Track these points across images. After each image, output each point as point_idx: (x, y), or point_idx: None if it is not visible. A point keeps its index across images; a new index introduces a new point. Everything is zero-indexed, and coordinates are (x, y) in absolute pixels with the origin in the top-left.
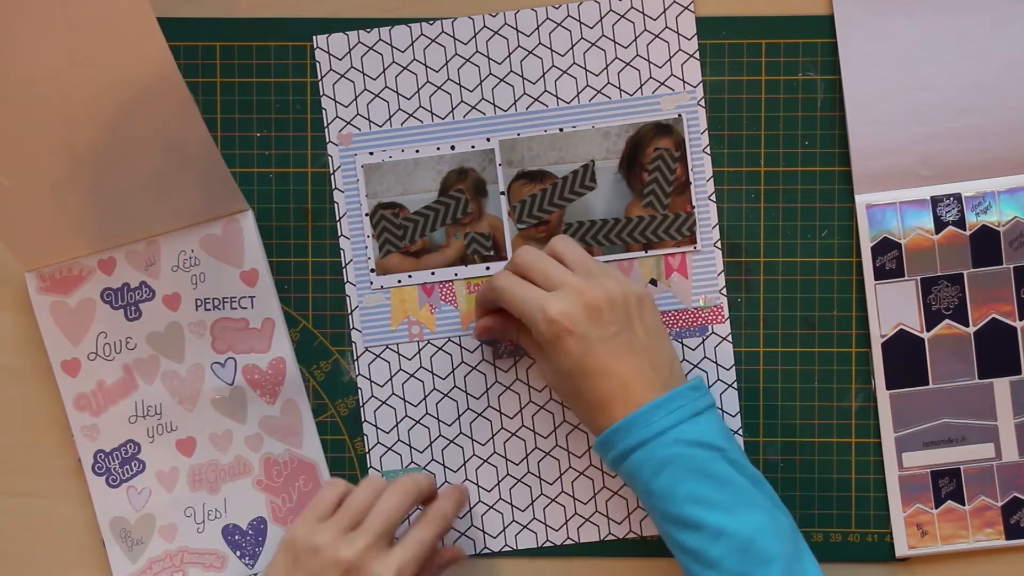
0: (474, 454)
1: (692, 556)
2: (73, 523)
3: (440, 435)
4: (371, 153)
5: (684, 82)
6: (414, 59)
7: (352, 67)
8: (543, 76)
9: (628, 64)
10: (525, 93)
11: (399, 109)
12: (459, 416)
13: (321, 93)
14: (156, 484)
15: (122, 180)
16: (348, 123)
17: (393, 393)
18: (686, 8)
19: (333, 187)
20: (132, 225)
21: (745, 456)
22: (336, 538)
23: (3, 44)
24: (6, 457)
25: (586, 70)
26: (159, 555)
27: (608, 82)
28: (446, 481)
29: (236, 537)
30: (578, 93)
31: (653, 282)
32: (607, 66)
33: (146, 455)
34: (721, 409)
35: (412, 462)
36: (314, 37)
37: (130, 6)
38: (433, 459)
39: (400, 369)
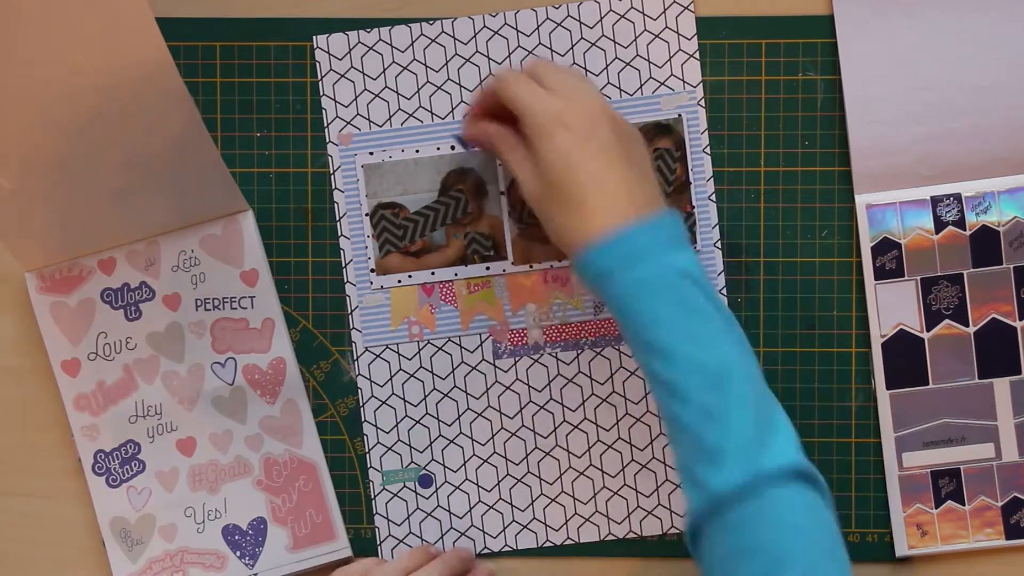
0: (474, 454)
1: (663, 385)
2: (73, 523)
3: (440, 435)
4: (371, 153)
5: (684, 82)
6: (414, 59)
7: (352, 67)
8: None
9: (628, 64)
10: None
11: (399, 109)
12: (459, 416)
13: (321, 93)
14: (156, 484)
15: (122, 180)
16: (348, 123)
17: (393, 393)
18: (686, 8)
19: (333, 187)
20: (132, 225)
21: (719, 295)
22: None
23: (1, 44)
24: (6, 457)
25: (586, 70)
26: (159, 555)
27: (608, 82)
28: (446, 481)
29: (236, 537)
30: None
31: None
32: (607, 66)
33: (146, 455)
34: None
35: (412, 462)
36: (314, 37)
37: (128, 6)
38: (433, 459)
39: (400, 369)
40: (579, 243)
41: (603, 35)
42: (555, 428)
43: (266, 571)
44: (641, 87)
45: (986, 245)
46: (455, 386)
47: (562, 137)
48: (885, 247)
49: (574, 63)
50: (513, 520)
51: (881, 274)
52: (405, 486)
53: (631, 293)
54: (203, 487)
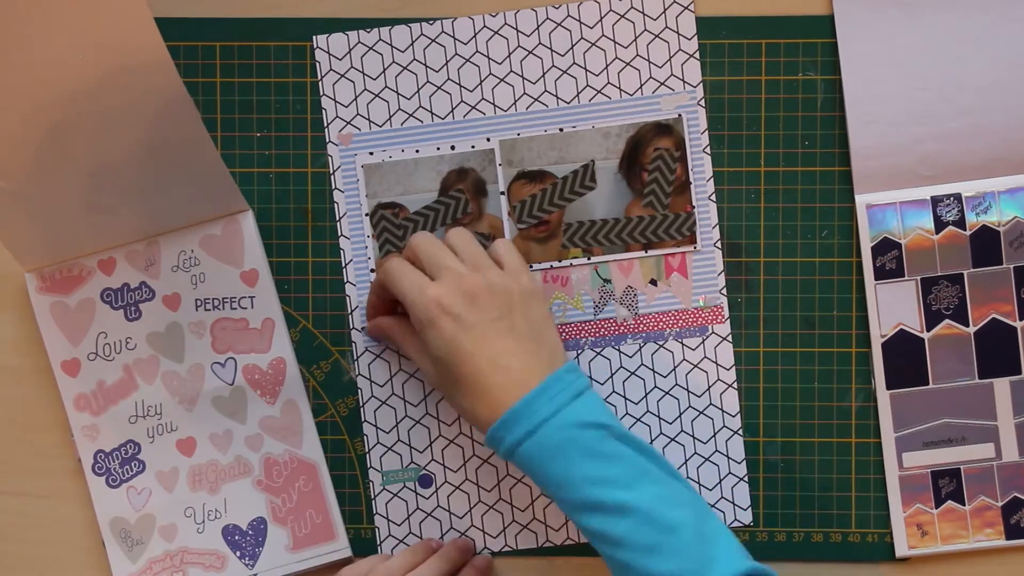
0: (474, 454)
1: (600, 538)
2: (73, 523)
3: (440, 435)
4: (371, 153)
5: (684, 82)
6: (414, 59)
7: (352, 67)
8: (543, 76)
9: (628, 64)
10: (525, 93)
11: (399, 109)
12: (459, 416)
13: (321, 93)
14: (156, 484)
15: (122, 180)
16: (348, 123)
17: (393, 393)
18: (686, 8)
19: (333, 187)
20: (132, 225)
21: (624, 427)
22: None
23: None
24: (6, 457)
25: (586, 70)
26: (159, 555)
27: (608, 82)
28: (446, 481)
29: (236, 537)
30: (578, 93)
31: (653, 282)
32: (607, 66)
33: (146, 455)
34: (721, 409)
35: (412, 462)
36: (314, 37)
37: (127, 6)
38: (433, 459)
39: (400, 369)
40: (482, 423)
41: (603, 35)
42: None
43: (266, 571)
44: (641, 87)
45: (986, 245)
46: None
47: (444, 325)
48: (885, 247)
49: (574, 63)
50: (513, 520)
51: (881, 274)
52: (405, 486)
53: (541, 459)
54: (203, 487)
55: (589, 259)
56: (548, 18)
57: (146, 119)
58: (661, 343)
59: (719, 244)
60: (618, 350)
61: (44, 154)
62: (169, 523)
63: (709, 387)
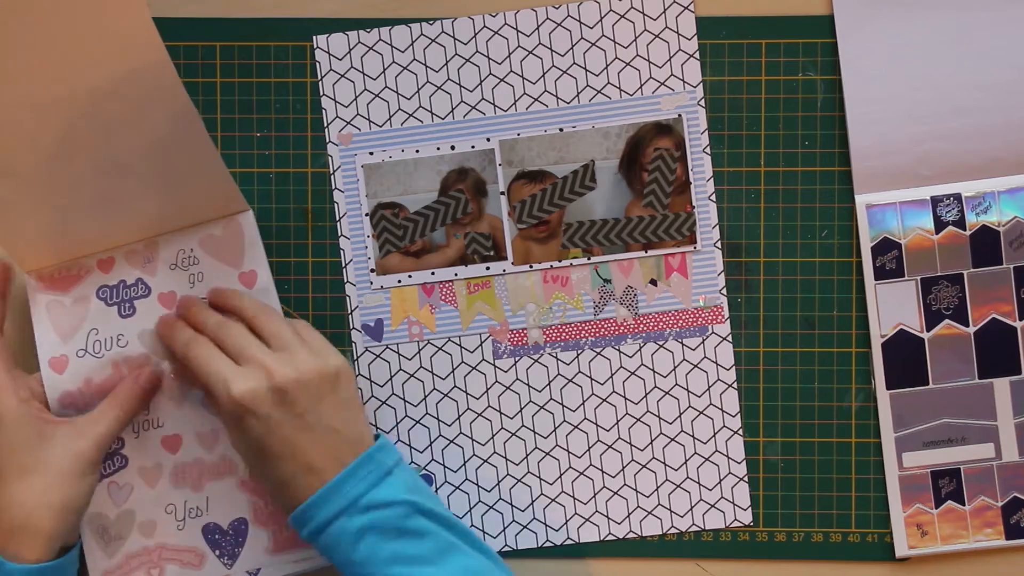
0: (474, 454)
1: None
2: None
3: (440, 435)
4: (371, 153)
5: (684, 82)
6: (414, 59)
7: (352, 67)
8: (543, 76)
9: (628, 64)
10: (525, 93)
11: (399, 109)
12: (459, 416)
13: (321, 93)
14: (138, 480)
15: (122, 181)
16: (348, 123)
17: (393, 393)
18: (686, 8)
19: (333, 187)
20: (132, 225)
21: (438, 501)
22: None
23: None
24: None
25: (586, 70)
26: (137, 550)
27: (608, 82)
28: (446, 481)
29: (216, 536)
30: (578, 93)
31: (653, 282)
32: (607, 66)
33: (129, 451)
34: (721, 409)
35: (412, 462)
36: (314, 37)
37: (126, 6)
38: (433, 459)
39: (400, 369)
40: (288, 511)
41: (603, 35)
42: (555, 428)
43: (245, 572)
44: (641, 87)
45: (986, 245)
46: (455, 386)
47: (250, 425)
48: (885, 247)
49: (574, 63)
50: (513, 520)
51: (881, 274)
52: None
53: (347, 541)
54: (186, 484)
55: (589, 259)
56: (548, 18)
57: (146, 120)
58: (661, 343)
59: (719, 244)
60: (618, 350)
61: (49, 153)
62: (149, 519)
63: (709, 387)
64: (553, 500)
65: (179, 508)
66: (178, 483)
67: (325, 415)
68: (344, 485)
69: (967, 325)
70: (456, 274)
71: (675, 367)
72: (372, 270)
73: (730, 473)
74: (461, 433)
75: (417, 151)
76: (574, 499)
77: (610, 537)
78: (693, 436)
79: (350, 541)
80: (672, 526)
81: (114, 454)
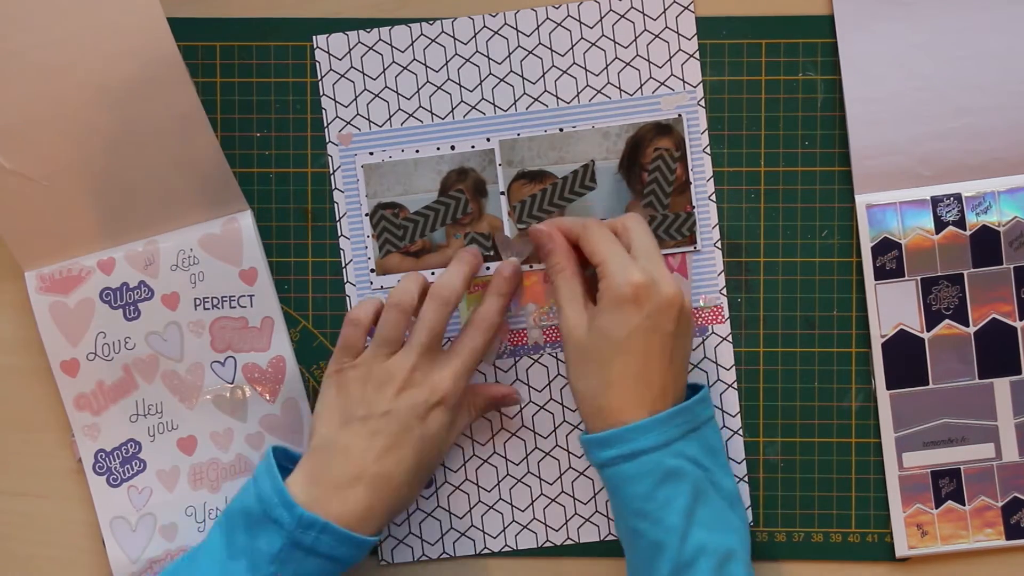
0: (474, 454)
1: (674, 567)
2: (73, 523)
3: None
4: (371, 153)
5: (684, 82)
6: (414, 59)
7: (352, 67)
8: (543, 76)
9: (628, 64)
10: (525, 93)
11: (399, 109)
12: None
13: (321, 93)
14: (157, 483)
15: (123, 180)
16: (348, 123)
17: None
18: (686, 8)
19: (333, 187)
20: (132, 225)
21: (728, 472)
22: (382, 361)
23: (9, 34)
24: (6, 457)
25: (586, 70)
26: (160, 555)
27: (608, 82)
28: (446, 482)
29: None
30: (578, 93)
31: None
32: (607, 66)
33: (147, 454)
34: (721, 409)
35: None
36: (314, 37)
37: (139, 7)
38: None
39: None
40: (594, 420)
41: (603, 35)
42: (555, 428)
43: None
44: (641, 87)
45: (986, 245)
46: None
47: (631, 316)
48: (885, 247)
49: (574, 63)
50: (513, 520)
51: (881, 274)
52: None
53: (652, 479)
54: (204, 486)
55: None
56: (548, 18)
57: (155, 118)
58: None
59: (719, 244)
60: None
61: (51, 152)
62: (170, 522)
63: (709, 387)
64: (553, 500)
65: (199, 510)
66: (196, 485)
67: (681, 349)
68: (669, 423)
69: (967, 325)
70: None
71: None
72: (372, 270)
73: None
74: (461, 433)
75: (417, 151)
76: (574, 499)
77: (610, 537)
78: None
79: (658, 478)
80: None
81: (132, 458)
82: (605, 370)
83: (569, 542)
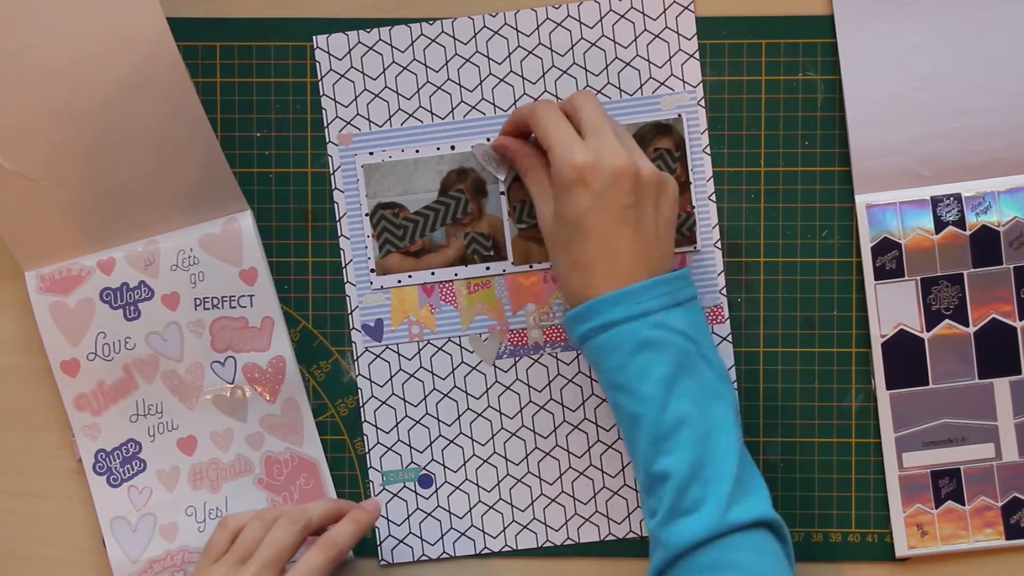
0: (474, 454)
1: (652, 439)
2: (73, 523)
3: (440, 435)
4: (371, 153)
5: (684, 82)
6: (414, 59)
7: (352, 67)
8: (543, 76)
9: (628, 64)
10: (525, 93)
11: (399, 109)
12: (459, 416)
13: (321, 93)
14: (157, 483)
15: (123, 180)
16: (348, 123)
17: (393, 393)
18: (686, 8)
19: (333, 187)
20: (132, 225)
21: (714, 349)
22: (227, 573)
23: (9, 34)
24: (6, 457)
25: (586, 70)
26: (160, 555)
27: (608, 82)
28: (446, 482)
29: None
30: None
31: None
32: (607, 66)
33: (147, 454)
34: None
35: (412, 462)
36: (314, 37)
37: (137, 6)
38: (433, 459)
39: (400, 369)
40: (575, 297)
41: (603, 35)
42: (555, 428)
43: None
44: (641, 87)
45: (986, 245)
46: (455, 386)
47: (580, 196)
48: (885, 247)
49: (574, 63)
50: (513, 520)
51: (881, 274)
52: (405, 486)
53: (628, 347)
54: (204, 486)
55: None
56: (548, 18)
57: (154, 118)
58: None
59: (719, 244)
60: None
61: (53, 151)
62: (170, 522)
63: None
64: (553, 500)
65: (199, 510)
66: (196, 485)
67: (648, 218)
68: (642, 295)
69: (967, 325)
70: (456, 274)
71: None
72: (372, 270)
73: None
74: (461, 433)
75: (417, 151)
76: (574, 499)
77: (610, 537)
78: None
79: (631, 348)
80: None
81: (132, 458)
82: (570, 253)
83: (569, 542)
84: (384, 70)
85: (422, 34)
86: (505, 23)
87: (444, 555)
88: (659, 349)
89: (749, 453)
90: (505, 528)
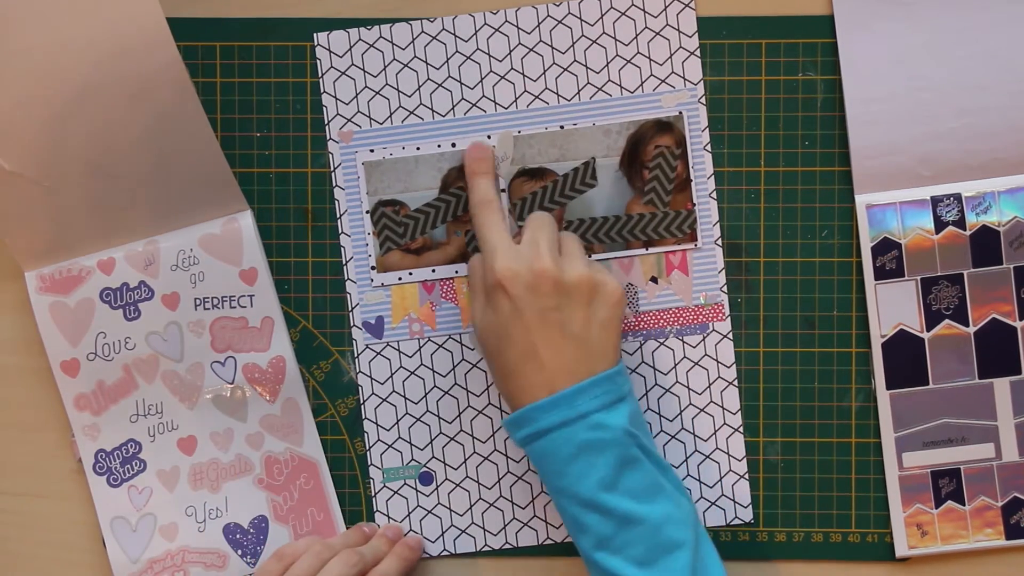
0: (475, 451)
1: (598, 541)
2: (73, 523)
3: (441, 432)
4: (372, 150)
5: (685, 80)
6: (415, 56)
7: (353, 64)
8: (544, 73)
9: (629, 61)
10: (526, 90)
11: (400, 106)
12: (460, 413)
13: (322, 90)
14: (157, 483)
15: (123, 180)
16: (349, 120)
17: (394, 391)
18: (687, 6)
19: (334, 185)
20: (132, 225)
21: (652, 440)
22: None
23: (9, 34)
24: (6, 457)
25: (587, 67)
26: (160, 555)
27: (609, 79)
28: (446, 479)
29: (237, 536)
30: (579, 91)
31: (654, 280)
32: (608, 63)
33: (147, 454)
34: (721, 407)
35: (413, 459)
36: (314, 34)
37: (137, 5)
38: (434, 456)
39: (401, 366)
40: (511, 403)
41: (604, 32)
42: None
43: None
44: (642, 84)
45: (986, 245)
46: (456, 383)
47: (501, 302)
48: (885, 247)
49: (575, 60)
50: (514, 518)
51: (881, 274)
52: (405, 483)
53: (566, 452)
54: (204, 486)
55: (590, 256)
56: (549, 15)
57: (154, 118)
58: (662, 340)
59: (719, 241)
60: None
61: (53, 151)
62: (170, 522)
63: (710, 384)
64: None
65: (199, 510)
66: (196, 485)
67: (576, 320)
68: (577, 398)
69: (967, 325)
70: (457, 271)
71: (676, 364)
72: (373, 267)
73: (730, 471)
74: (462, 430)
75: (418, 148)
76: None
77: None
78: (694, 434)
79: (570, 453)
80: None
81: (132, 458)
82: (500, 359)
83: (569, 540)
84: (385, 67)
85: (423, 31)
86: (506, 20)
87: (444, 552)
88: (599, 450)
89: (708, 537)
90: (506, 525)
